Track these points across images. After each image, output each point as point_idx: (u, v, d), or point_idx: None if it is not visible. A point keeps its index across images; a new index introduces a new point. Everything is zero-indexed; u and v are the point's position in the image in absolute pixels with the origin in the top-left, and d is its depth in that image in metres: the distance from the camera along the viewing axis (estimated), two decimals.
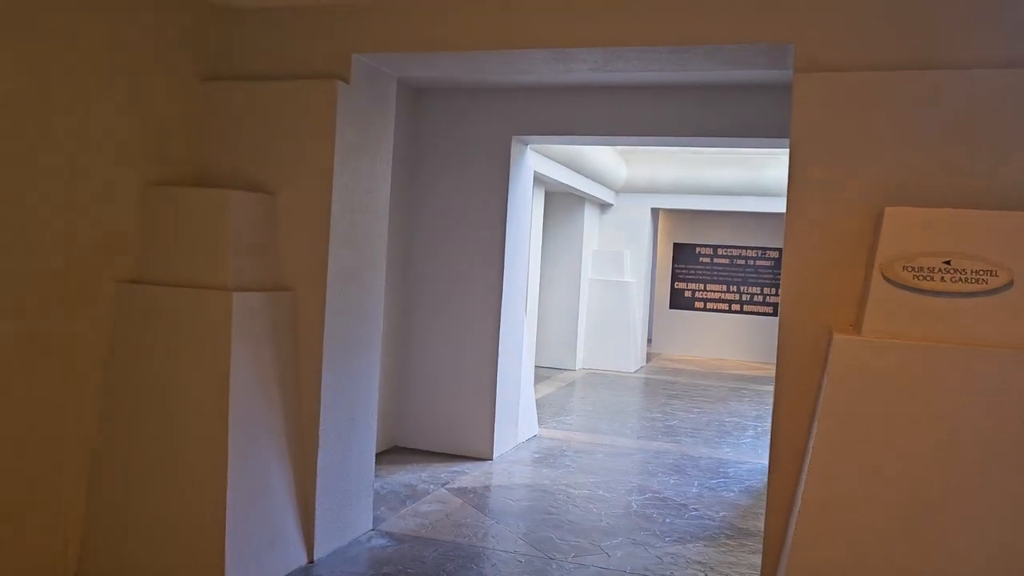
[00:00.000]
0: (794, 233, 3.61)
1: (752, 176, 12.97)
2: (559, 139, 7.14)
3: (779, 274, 16.24)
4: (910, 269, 3.13)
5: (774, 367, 15.39)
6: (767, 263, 15.97)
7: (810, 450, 3.15)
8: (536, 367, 11.90)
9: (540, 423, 8.45)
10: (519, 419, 7.51)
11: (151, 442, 3.85)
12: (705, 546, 5.01)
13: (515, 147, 6.99)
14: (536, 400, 9.61)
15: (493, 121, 6.95)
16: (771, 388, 12.31)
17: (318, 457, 4.28)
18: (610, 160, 12.30)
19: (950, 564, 2.87)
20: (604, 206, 13.86)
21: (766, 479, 6.55)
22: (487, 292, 6.92)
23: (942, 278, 3.10)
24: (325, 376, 4.30)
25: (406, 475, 6.22)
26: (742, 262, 16.09)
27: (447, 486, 6.00)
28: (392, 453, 6.90)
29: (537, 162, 9.41)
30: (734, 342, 16.06)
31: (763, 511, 5.89)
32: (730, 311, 16.13)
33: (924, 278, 3.12)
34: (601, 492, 6.07)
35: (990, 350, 2.95)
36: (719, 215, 15.87)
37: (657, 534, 5.18)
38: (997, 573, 2.83)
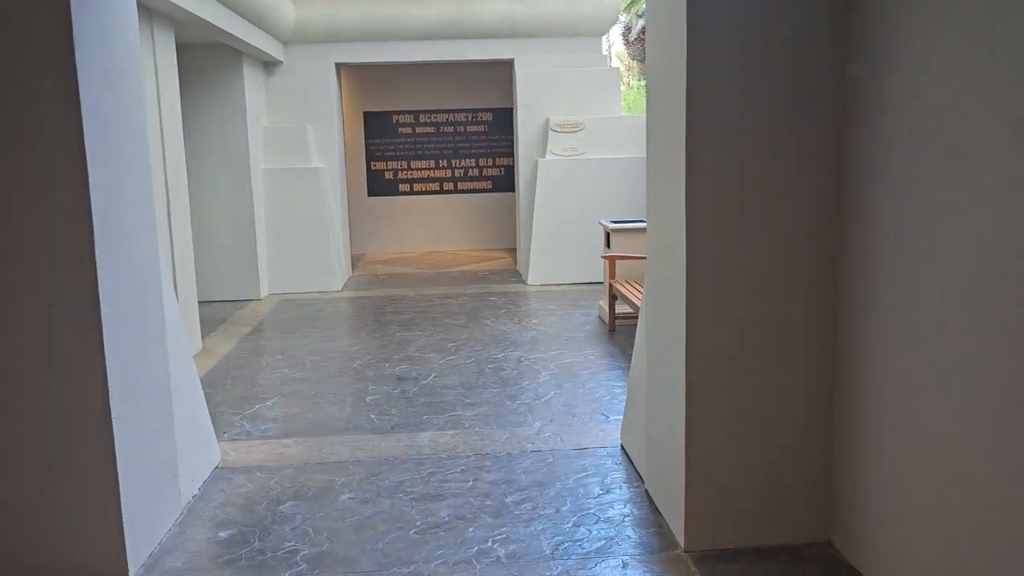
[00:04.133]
0: None
1: (463, 12, 9.84)
2: None
3: (497, 140, 13.34)
4: None
5: (504, 255, 12.70)
6: (480, 128, 13.02)
7: None
8: (201, 304, 8.00)
9: (219, 433, 4.85)
10: (177, 455, 3.88)
11: None
12: None
13: None
14: (203, 378, 5.91)
15: None
16: (519, 287, 9.46)
17: None
18: None
19: None
20: (270, 64, 9.86)
21: (644, 489, 3.39)
22: (61, 236, 3.07)
23: None
24: None
25: None
26: (451, 129, 12.99)
27: None
28: None
29: None
30: (451, 229, 13.16)
31: None
32: (442, 191, 13.11)
33: None
34: None
35: None
36: (418, 73, 12.51)
37: None
38: None
